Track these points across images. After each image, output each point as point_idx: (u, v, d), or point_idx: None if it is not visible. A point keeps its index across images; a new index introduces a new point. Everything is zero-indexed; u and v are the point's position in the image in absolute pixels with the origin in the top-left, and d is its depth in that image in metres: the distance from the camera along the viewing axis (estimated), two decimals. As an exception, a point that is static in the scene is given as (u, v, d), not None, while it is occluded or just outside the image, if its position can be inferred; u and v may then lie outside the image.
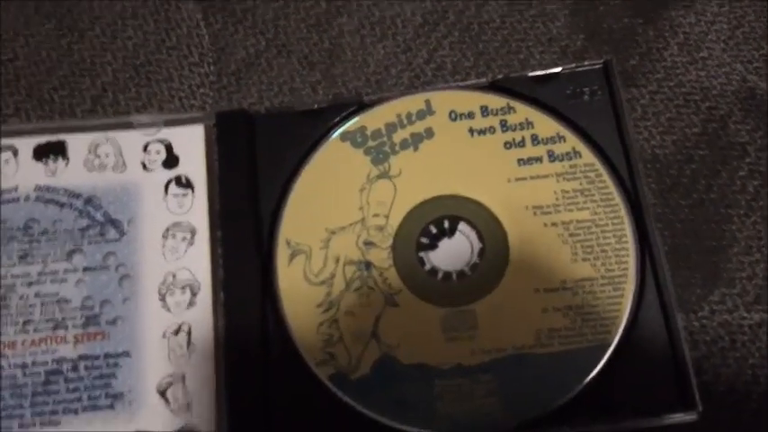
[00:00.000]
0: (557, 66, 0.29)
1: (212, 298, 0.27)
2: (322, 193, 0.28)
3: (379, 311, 0.26)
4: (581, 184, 0.27)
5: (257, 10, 0.33)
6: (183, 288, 0.27)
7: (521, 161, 0.28)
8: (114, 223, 0.28)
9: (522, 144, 0.28)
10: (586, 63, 0.29)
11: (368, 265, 0.27)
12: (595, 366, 0.25)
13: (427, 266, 0.27)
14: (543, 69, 0.29)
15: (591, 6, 0.32)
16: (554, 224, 0.27)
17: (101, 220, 0.28)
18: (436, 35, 0.32)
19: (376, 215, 0.28)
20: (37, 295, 0.27)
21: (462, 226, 0.27)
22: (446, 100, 0.29)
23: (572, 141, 0.28)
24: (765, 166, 0.29)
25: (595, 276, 0.26)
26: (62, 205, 0.28)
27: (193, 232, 0.28)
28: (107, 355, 0.26)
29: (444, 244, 0.27)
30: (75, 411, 0.25)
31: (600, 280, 0.26)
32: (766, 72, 0.30)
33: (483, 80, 0.29)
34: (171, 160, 0.29)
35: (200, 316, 0.27)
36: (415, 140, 0.28)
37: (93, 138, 0.29)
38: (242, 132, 0.29)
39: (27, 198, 0.28)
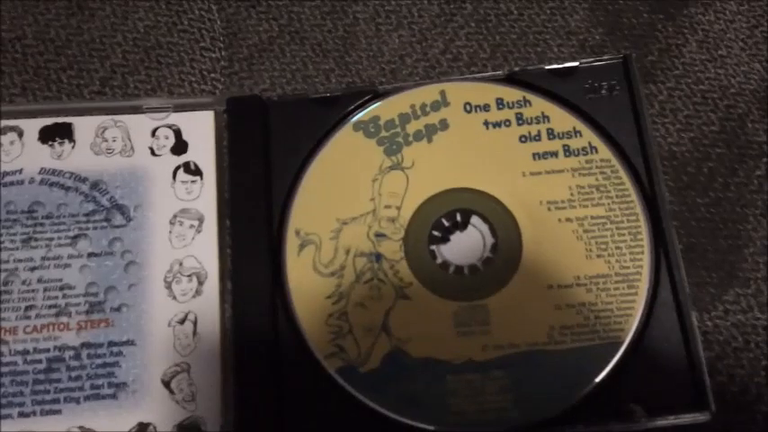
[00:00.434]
0: (574, 59, 0.28)
1: (219, 287, 0.26)
2: (333, 182, 0.27)
3: (389, 304, 0.26)
4: (597, 179, 0.27)
5: (270, -5, 0.32)
6: (190, 276, 0.26)
7: (536, 155, 0.27)
8: (121, 208, 0.27)
9: (537, 138, 0.28)
10: (605, 57, 0.28)
11: (378, 256, 0.26)
12: (608, 364, 0.25)
13: (439, 260, 0.27)
14: (561, 63, 0.28)
15: (610, 1, 0.32)
16: (568, 220, 0.26)
17: (107, 205, 0.27)
18: (453, 26, 0.32)
19: (388, 206, 0.27)
20: (40, 280, 0.26)
21: (475, 220, 0.27)
22: (461, 91, 0.28)
23: (588, 136, 0.27)
24: (782, 166, 0.29)
25: (609, 273, 0.26)
26: (68, 189, 0.27)
27: (201, 220, 0.27)
28: (111, 344, 0.26)
29: (456, 237, 0.27)
30: (77, 400, 0.25)
31: (614, 277, 0.26)
32: (784, 72, 0.30)
33: (499, 72, 0.29)
34: (180, 146, 0.28)
35: (207, 305, 0.26)
36: (429, 132, 0.28)
37: (100, 121, 0.28)
38: (253, 119, 0.28)
39: (32, 181, 0.27)
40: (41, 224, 0.27)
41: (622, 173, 0.27)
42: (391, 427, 0.24)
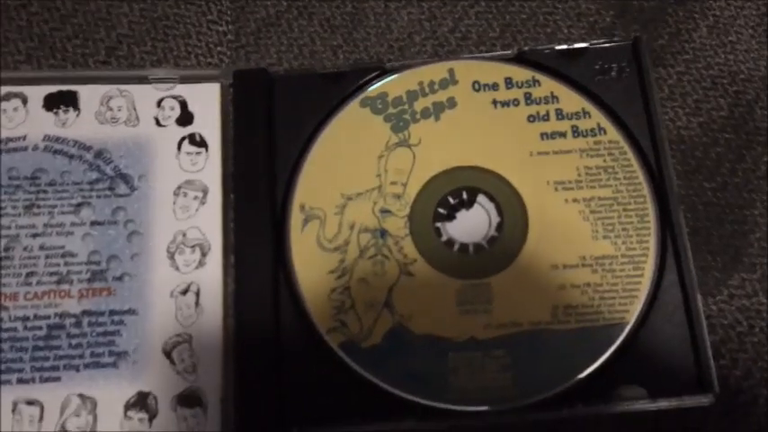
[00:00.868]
0: (583, 41, 0.28)
1: (222, 260, 0.26)
2: (339, 158, 0.27)
3: (393, 281, 0.26)
4: (605, 161, 0.27)
5: (279, -30, 0.32)
6: (193, 247, 0.26)
7: (544, 135, 0.27)
8: (125, 178, 0.27)
9: (546, 118, 0.27)
10: (616, 39, 0.28)
11: (383, 232, 0.26)
12: (612, 345, 0.24)
13: (444, 237, 0.26)
14: (571, 44, 0.28)
15: (621, -17, 0.31)
16: (575, 200, 0.26)
17: (111, 174, 0.27)
18: (462, 4, 0.31)
19: (393, 183, 0.27)
20: (42, 247, 0.26)
21: (481, 198, 0.27)
22: (470, 70, 0.28)
23: (597, 117, 0.27)
24: (790, 153, 0.28)
25: (615, 254, 0.25)
26: (71, 157, 0.27)
27: (205, 191, 0.27)
28: (112, 312, 0.25)
29: (462, 215, 0.27)
30: (77, 368, 0.25)
31: (620, 258, 0.25)
32: (794, 60, 0.30)
33: (509, 52, 0.29)
34: (185, 117, 0.28)
35: (210, 277, 0.26)
36: (437, 110, 0.28)
37: (105, 90, 0.28)
38: (259, 92, 0.28)
39: (35, 147, 0.27)
40: (44, 191, 0.26)
41: (630, 155, 0.27)
42: (392, 403, 0.24)
